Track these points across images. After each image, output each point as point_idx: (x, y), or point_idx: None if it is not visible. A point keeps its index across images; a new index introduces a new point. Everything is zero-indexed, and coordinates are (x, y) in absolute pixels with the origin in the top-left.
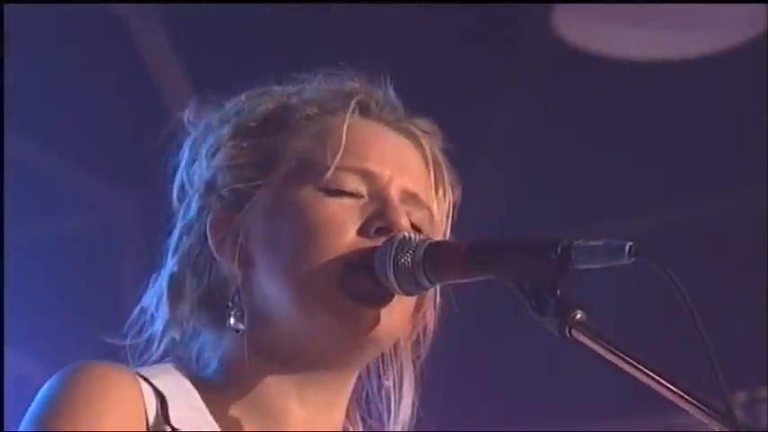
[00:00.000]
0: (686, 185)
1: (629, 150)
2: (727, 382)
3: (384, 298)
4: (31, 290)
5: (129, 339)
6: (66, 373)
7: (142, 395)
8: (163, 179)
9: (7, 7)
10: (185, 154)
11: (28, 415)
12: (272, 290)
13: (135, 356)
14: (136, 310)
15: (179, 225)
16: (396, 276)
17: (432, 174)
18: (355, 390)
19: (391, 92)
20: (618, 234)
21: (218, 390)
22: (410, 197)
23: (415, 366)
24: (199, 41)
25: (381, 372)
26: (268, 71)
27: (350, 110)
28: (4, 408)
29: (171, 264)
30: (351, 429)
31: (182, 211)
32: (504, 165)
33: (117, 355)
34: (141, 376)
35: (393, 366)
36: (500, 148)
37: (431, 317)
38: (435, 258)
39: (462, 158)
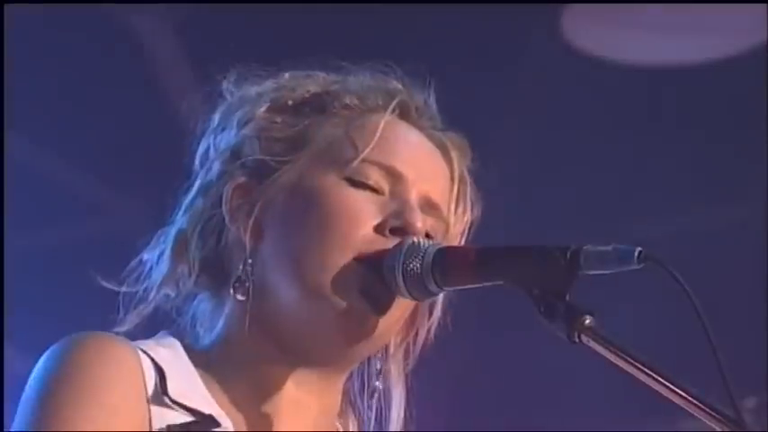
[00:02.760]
0: (697, 191)
1: (638, 156)
2: (736, 387)
3: (386, 301)
4: (38, 295)
5: (125, 287)
6: (64, 343)
7: (142, 367)
8: (173, 179)
9: (15, 10)
10: (216, 119)
11: (29, 385)
12: (278, 266)
13: (128, 306)
14: (135, 261)
15: (196, 185)
16: (405, 281)
17: (456, 188)
18: (348, 394)
19: (432, 100)
20: (627, 239)
21: (214, 362)
22: (430, 206)
23: (406, 377)
24: (208, 45)
25: (368, 379)
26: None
27: (390, 108)
28: (4, 408)
29: (180, 221)
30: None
31: (202, 173)
32: (512, 169)
33: None
34: (140, 348)
35: (383, 373)
36: (507, 153)
37: (423, 327)
38: (444, 264)
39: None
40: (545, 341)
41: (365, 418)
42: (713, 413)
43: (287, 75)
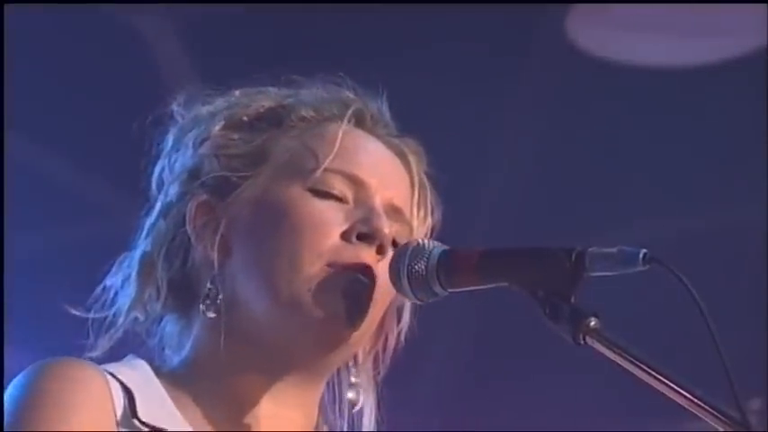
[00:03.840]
0: (705, 193)
1: (644, 158)
2: (741, 389)
3: (361, 307)
4: (41, 297)
5: (92, 313)
6: (33, 369)
7: (110, 390)
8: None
9: (18, 10)
10: (169, 140)
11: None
12: (248, 280)
13: (98, 331)
14: (99, 288)
15: (157, 207)
16: (410, 283)
17: (416, 193)
18: (322, 403)
19: (385, 108)
20: (631, 241)
21: (184, 382)
22: (393, 210)
23: (376, 384)
24: (211, 47)
25: (339, 389)
26: (280, 76)
27: (346, 117)
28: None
29: (143, 244)
30: None
31: (161, 196)
32: (516, 172)
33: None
34: (108, 372)
35: (352, 381)
36: (512, 155)
37: (392, 333)
38: (449, 265)
39: (474, 165)
40: (547, 341)
41: (338, 428)
42: (718, 414)
43: (237, 92)
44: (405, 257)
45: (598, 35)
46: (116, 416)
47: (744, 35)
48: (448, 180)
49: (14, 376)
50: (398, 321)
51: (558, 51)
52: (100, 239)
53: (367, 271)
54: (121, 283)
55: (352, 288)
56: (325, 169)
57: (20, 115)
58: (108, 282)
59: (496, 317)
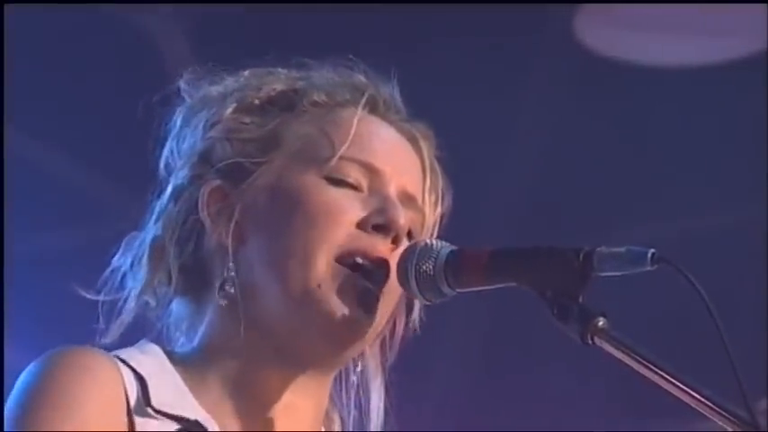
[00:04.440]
0: (710, 192)
1: (650, 157)
2: (749, 389)
3: (374, 302)
4: (46, 299)
5: (102, 296)
6: (44, 359)
7: (122, 378)
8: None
9: (21, 10)
10: (178, 120)
11: (9, 402)
12: (264, 270)
13: (109, 316)
14: (108, 270)
15: (168, 191)
16: (417, 283)
17: (428, 179)
18: (332, 389)
19: (396, 92)
20: (639, 241)
21: (198, 368)
22: (407, 198)
23: (384, 370)
24: (218, 46)
25: (346, 375)
26: (291, 60)
27: (361, 103)
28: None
29: (153, 228)
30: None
31: (171, 178)
32: (523, 169)
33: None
34: (120, 359)
35: (359, 370)
36: (520, 153)
37: (400, 320)
38: (457, 265)
39: (481, 163)
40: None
41: (346, 414)
42: (727, 414)
43: (247, 73)
44: (413, 257)
45: (605, 34)
46: (129, 404)
47: (749, 35)
48: (458, 179)
49: (19, 371)
50: (410, 312)
51: (567, 51)
52: (102, 239)
53: (383, 263)
54: (131, 265)
55: (363, 289)
56: (341, 157)
57: (24, 116)
58: (116, 263)
59: (506, 314)
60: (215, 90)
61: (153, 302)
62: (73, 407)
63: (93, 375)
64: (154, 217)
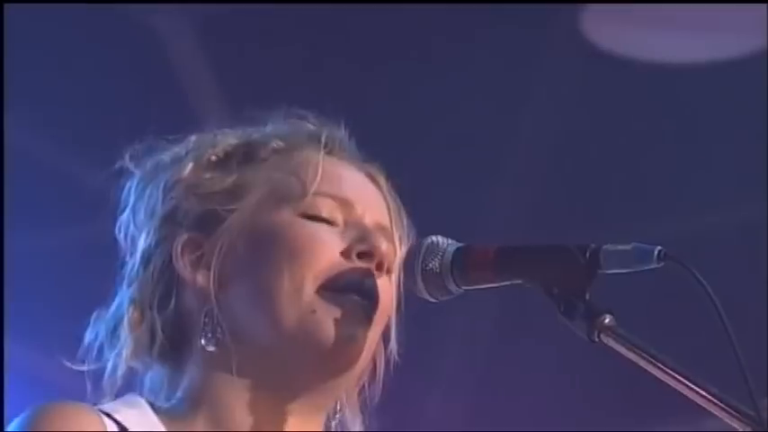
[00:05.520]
0: (720, 189)
1: (660, 155)
2: (756, 386)
3: (364, 328)
4: (51, 296)
5: (86, 366)
6: (30, 412)
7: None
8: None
9: (35, 10)
10: (132, 193)
11: None
12: (249, 312)
13: (97, 383)
14: (83, 346)
15: (136, 257)
16: (424, 281)
17: (393, 214)
18: None
19: (347, 135)
20: (646, 238)
21: (184, 420)
22: (381, 230)
23: (362, 412)
24: (229, 47)
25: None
26: (296, 77)
27: (322, 144)
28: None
29: (128, 292)
30: None
31: (137, 245)
32: (532, 169)
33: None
34: (104, 412)
35: (338, 417)
36: (526, 152)
37: (381, 361)
38: (463, 263)
39: (489, 162)
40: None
41: None
42: (734, 412)
43: (194, 137)
44: (419, 255)
45: (613, 32)
46: None
47: (757, 32)
48: (465, 177)
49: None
50: (386, 344)
51: (574, 48)
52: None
53: (372, 286)
54: (109, 334)
55: (358, 304)
56: (314, 193)
57: (32, 115)
58: (90, 336)
59: (515, 306)
60: (166, 156)
61: (141, 368)
62: None
63: (77, 429)
64: (125, 283)
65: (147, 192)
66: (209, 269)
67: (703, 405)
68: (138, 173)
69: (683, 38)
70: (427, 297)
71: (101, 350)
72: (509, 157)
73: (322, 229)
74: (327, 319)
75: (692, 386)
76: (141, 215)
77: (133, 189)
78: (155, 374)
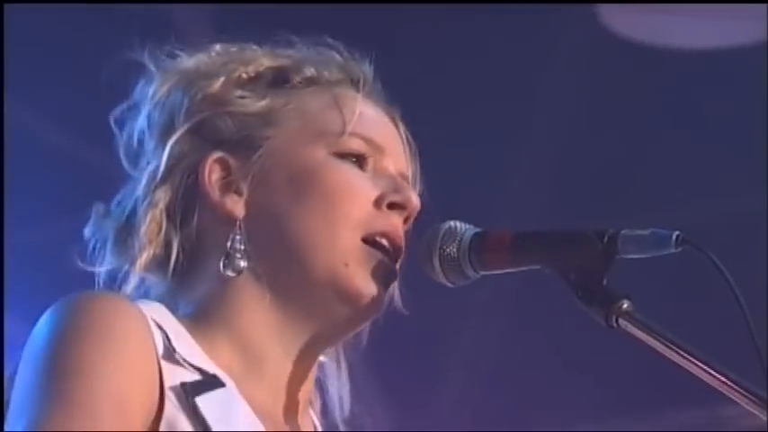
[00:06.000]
0: (739, 176)
1: (677, 142)
2: (751, 377)
3: (392, 281)
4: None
5: (97, 267)
6: (71, 303)
7: (149, 324)
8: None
9: (51, 7)
10: (149, 92)
11: (36, 345)
12: (280, 242)
13: (111, 287)
14: (91, 242)
15: (158, 165)
16: (442, 266)
17: (411, 162)
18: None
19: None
20: (664, 224)
21: (204, 330)
22: (404, 178)
23: (341, 356)
24: (243, 36)
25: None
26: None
27: (360, 82)
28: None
29: (144, 202)
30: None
31: (144, 148)
32: (549, 155)
33: None
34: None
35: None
36: (542, 138)
37: None
38: (481, 248)
39: (506, 149)
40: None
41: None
42: (752, 397)
43: (219, 48)
44: (436, 240)
45: (631, 18)
46: (157, 351)
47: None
48: (481, 163)
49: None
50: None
51: (590, 34)
52: None
53: (400, 244)
54: (115, 239)
55: (389, 269)
56: (349, 133)
57: (50, 108)
58: (91, 233)
59: (529, 303)
60: (190, 62)
61: (157, 278)
62: (115, 344)
63: (128, 316)
64: (140, 189)
65: (171, 97)
66: (239, 195)
67: (721, 390)
68: (157, 73)
69: (702, 24)
70: (444, 281)
71: (103, 252)
72: (525, 143)
73: (356, 173)
74: (359, 273)
75: (711, 371)
76: (160, 119)
77: (152, 90)
78: (159, 286)
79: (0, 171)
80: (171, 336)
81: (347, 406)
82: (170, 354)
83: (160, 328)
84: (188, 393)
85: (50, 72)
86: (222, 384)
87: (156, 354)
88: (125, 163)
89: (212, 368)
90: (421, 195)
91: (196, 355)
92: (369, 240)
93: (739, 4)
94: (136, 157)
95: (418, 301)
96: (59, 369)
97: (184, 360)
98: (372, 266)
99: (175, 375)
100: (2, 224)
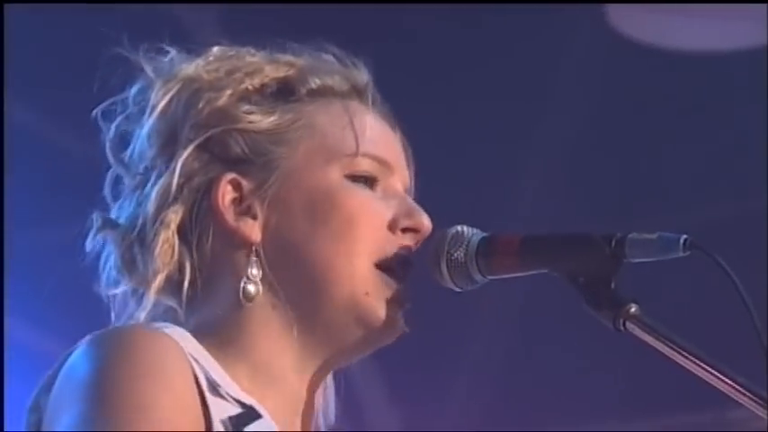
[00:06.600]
0: (747, 178)
1: (686, 144)
2: (754, 379)
3: (408, 303)
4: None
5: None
6: (111, 336)
7: (188, 358)
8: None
9: (51, 7)
10: (154, 98)
11: (84, 378)
12: (298, 269)
13: (121, 310)
14: (102, 263)
15: (174, 173)
16: (449, 270)
17: (410, 170)
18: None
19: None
20: (673, 228)
21: (220, 352)
22: (408, 192)
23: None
24: (251, 36)
25: None
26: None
27: (368, 99)
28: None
29: (153, 220)
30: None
31: (145, 159)
32: (557, 156)
33: None
34: None
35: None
36: (551, 141)
37: None
38: (488, 252)
39: (514, 151)
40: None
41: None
42: (761, 401)
43: (215, 50)
44: (444, 245)
45: (639, 20)
46: (201, 385)
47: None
48: (490, 164)
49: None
50: None
51: (599, 35)
52: None
53: (412, 269)
54: (123, 260)
55: (401, 292)
56: (361, 154)
57: (59, 111)
58: (92, 247)
59: (537, 305)
60: (190, 70)
61: (172, 302)
62: (165, 379)
63: (168, 350)
64: (148, 204)
65: (173, 106)
66: (254, 218)
67: (729, 393)
68: (156, 79)
69: (709, 26)
70: (452, 286)
71: (107, 267)
72: (534, 145)
73: (369, 196)
74: (379, 301)
75: (718, 374)
76: (161, 128)
77: (151, 96)
78: (172, 308)
79: (0, 171)
80: (208, 368)
81: (332, 413)
82: (213, 388)
83: (195, 360)
84: (235, 427)
85: (50, 72)
86: (260, 415)
87: (201, 388)
88: (111, 159)
89: (247, 399)
90: (421, 196)
91: (231, 386)
92: (382, 266)
93: (742, 5)
94: (131, 160)
95: (428, 304)
96: (118, 402)
97: (227, 394)
98: (391, 294)
99: (220, 409)
100: (2, 224)
